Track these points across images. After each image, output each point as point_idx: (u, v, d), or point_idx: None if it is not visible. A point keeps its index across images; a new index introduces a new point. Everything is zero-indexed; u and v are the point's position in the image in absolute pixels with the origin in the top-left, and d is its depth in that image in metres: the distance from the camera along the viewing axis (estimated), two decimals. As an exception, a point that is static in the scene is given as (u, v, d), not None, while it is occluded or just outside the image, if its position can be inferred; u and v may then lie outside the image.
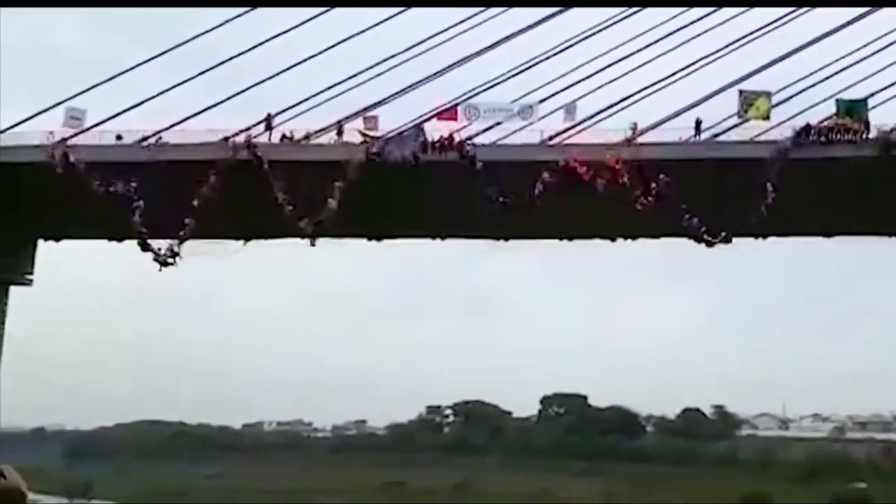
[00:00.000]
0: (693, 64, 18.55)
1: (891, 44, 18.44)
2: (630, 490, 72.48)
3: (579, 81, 17.88)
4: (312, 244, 18.70)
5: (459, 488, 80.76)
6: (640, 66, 18.61)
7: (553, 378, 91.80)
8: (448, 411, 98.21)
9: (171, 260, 18.67)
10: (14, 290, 25.25)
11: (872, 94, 17.87)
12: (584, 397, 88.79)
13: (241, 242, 20.45)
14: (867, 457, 73.86)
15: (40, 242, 23.19)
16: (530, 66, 18.44)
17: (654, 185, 16.50)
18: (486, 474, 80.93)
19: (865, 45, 18.56)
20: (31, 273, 23.99)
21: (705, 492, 70.21)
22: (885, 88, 18.08)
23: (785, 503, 68.20)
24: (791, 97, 18.07)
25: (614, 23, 18.50)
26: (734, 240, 18.59)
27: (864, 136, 17.58)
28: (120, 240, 22.12)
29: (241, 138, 18.60)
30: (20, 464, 2.74)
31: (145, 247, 19.49)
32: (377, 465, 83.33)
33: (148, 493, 39.05)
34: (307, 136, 18.61)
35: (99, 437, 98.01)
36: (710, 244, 17.77)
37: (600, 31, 18.46)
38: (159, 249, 18.78)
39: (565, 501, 74.32)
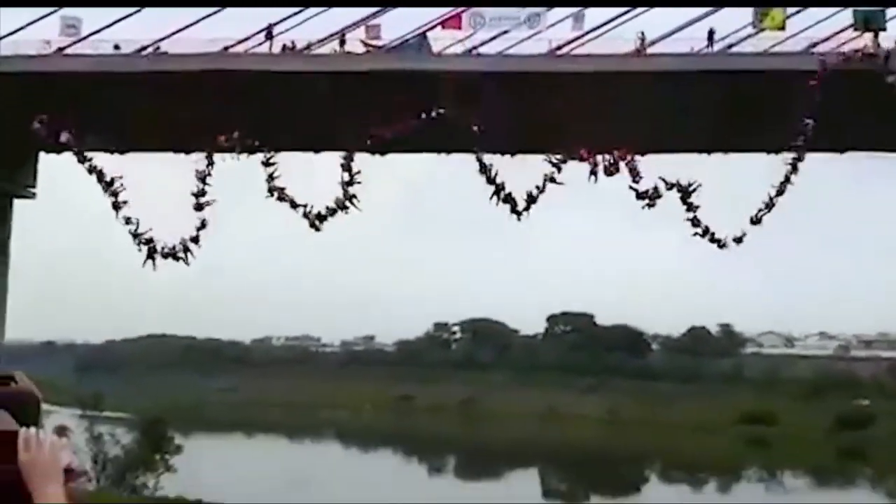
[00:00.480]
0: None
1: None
2: (634, 407, 73.47)
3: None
4: (317, 152, 18.42)
5: (466, 404, 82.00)
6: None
7: (560, 296, 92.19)
8: (455, 328, 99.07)
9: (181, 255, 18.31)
10: (18, 204, 25.13)
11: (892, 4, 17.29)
12: (591, 316, 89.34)
13: (244, 155, 20.18)
14: (872, 375, 74.51)
15: (42, 155, 22.95)
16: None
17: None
18: (492, 391, 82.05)
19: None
20: (34, 186, 23.83)
21: (709, 409, 71.08)
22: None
23: (788, 420, 69.07)
24: (806, 6, 17.53)
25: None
26: (746, 154, 18.29)
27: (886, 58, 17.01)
28: (122, 152, 21.87)
29: (241, 48, 18.22)
30: (31, 375, 2.64)
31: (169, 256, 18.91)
32: (385, 380, 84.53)
33: (161, 405, 39.73)
34: (308, 47, 18.18)
35: (108, 350, 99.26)
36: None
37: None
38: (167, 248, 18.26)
39: (571, 418, 75.48)
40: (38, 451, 2.08)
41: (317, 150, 20.00)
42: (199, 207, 17.34)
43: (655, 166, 17.06)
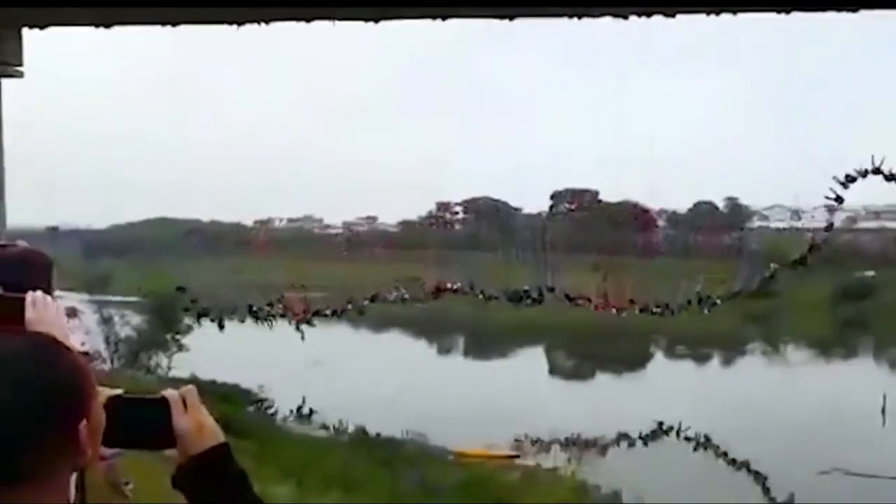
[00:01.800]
0: None
1: None
2: (636, 283, 73.78)
3: None
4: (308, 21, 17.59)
5: (472, 285, 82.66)
6: None
7: (563, 172, 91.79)
8: (457, 208, 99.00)
9: None
10: (6, 85, 24.37)
11: None
12: (596, 192, 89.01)
13: (234, 27, 19.32)
14: (880, 246, 74.52)
15: (25, 32, 22.05)
16: None
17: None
18: (496, 271, 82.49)
19: None
20: (20, 64, 22.99)
21: (711, 282, 71.33)
22: None
23: (790, 293, 69.42)
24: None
25: None
26: (753, 16, 17.38)
27: None
28: (108, 26, 20.94)
29: None
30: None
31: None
32: (390, 260, 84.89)
33: (169, 288, 39.77)
34: None
35: (112, 234, 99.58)
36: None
37: None
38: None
39: (576, 294, 76.01)
40: (45, 311, 2.07)
41: (309, 20, 19.17)
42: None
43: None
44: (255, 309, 27.84)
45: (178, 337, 32.56)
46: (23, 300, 2.16)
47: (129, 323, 32.14)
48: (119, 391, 1.87)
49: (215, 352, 39.25)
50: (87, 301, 34.95)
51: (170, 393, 1.81)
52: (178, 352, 32.36)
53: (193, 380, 30.15)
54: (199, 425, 1.79)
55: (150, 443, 1.80)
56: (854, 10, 19.38)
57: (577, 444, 31.68)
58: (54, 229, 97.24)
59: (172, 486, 1.77)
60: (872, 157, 24.36)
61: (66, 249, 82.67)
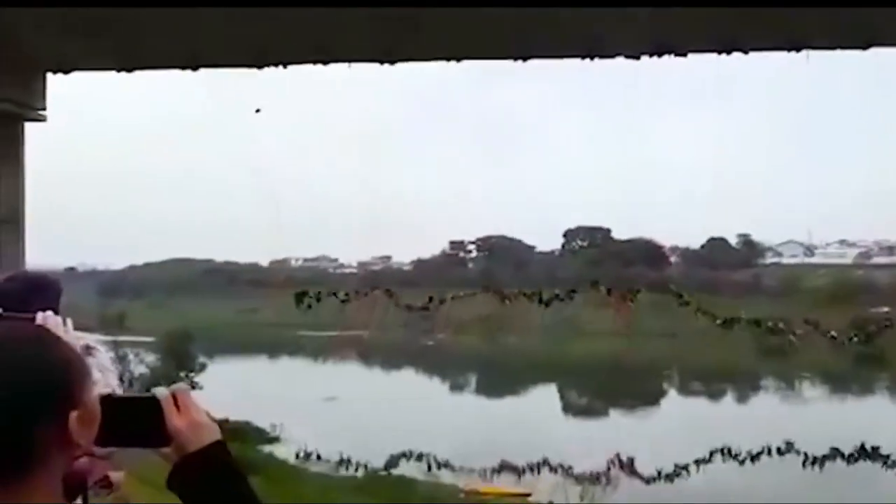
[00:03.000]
0: None
1: None
2: (651, 319, 73.66)
3: None
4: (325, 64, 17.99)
5: (485, 320, 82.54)
6: None
7: (576, 211, 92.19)
8: (471, 246, 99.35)
9: None
10: (30, 128, 24.92)
11: None
12: (608, 230, 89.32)
13: (253, 69, 19.79)
14: (892, 281, 74.28)
15: (49, 76, 22.62)
16: None
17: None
18: (510, 308, 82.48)
19: None
20: (44, 108, 23.55)
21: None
22: None
23: (802, 328, 69.04)
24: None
25: None
26: (764, 53, 17.72)
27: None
28: (130, 70, 21.45)
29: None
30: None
31: None
32: (404, 299, 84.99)
33: (184, 327, 40.21)
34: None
35: (130, 275, 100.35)
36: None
37: None
38: None
39: (589, 333, 75.89)
40: (56, 330, 2.00)
41: (326, 63, 19.62)
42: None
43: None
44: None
45: (191, 375, 32.81)
46: (32, 320, 2.18)
47: (143, 361, 32.39)
48: (109, 391, 2.00)
49: (229, 389, 39.51)
50: (101, 340, 35.22)
51: (161, 391, 1.82)
52: (190, 390, 32.54)
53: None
54: (193, 423, 1.76)
55: (142, 441, 1.77)
56: (864, 48, 19.75)
57: (589, 481, 31.58)
58: (72, 269, 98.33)
59: (167, 486, 1.74)
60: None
61: (84, 289, 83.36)
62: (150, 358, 33.20)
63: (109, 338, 34.65)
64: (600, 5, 15.21)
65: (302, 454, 32.98)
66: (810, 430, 40.18)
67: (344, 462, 32.23)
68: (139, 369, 31.83)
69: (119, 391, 14.93)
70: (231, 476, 1.74)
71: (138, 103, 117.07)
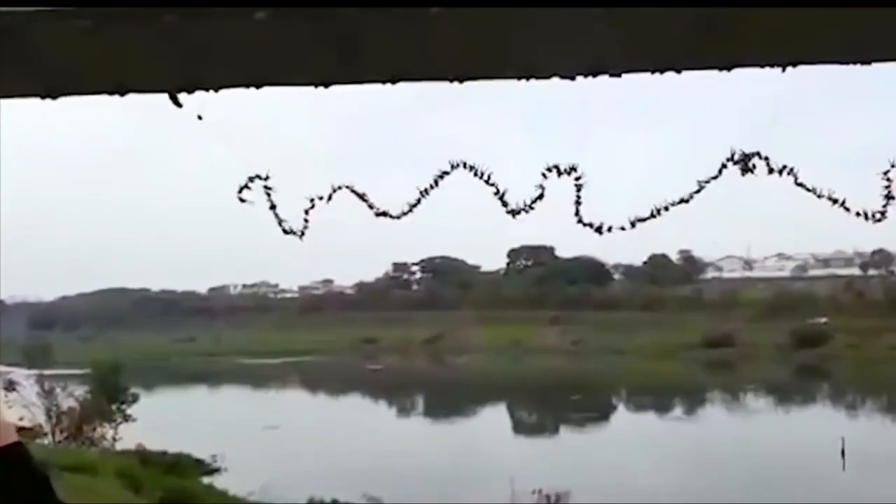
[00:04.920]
0: None
1: None
2: (598, 336, 74.03)
3: None
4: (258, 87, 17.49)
5: (432, 342, 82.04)
6: None
7: (519, 230, 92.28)
8: (415, 268, 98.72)
9: None
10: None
11: None
12: (552, 248, 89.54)
13: (183, 94, 19.09)
14: (829, 293, 75.68)
15: (-31, 104, 21.63)
16: None
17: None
18: (457, 327, 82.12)
19: None
20: (-37, 138, 22.56)
21: (670, 334, 71.83)
22: None
23: (747, 342, 70.07)
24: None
25: None
26: (696, 73, 17.76)
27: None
28: (54, 97, 20.56)
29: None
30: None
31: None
32: (347, 323, 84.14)
33: (117, 359, 38.99)
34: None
35: (62, 307, 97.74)
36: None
37: None
38: None
39: (536, 348, 75.89)
40: None
41: (259, 86, 19.13)
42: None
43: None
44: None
45: (123, 407, 31.53)
46: None
47: (72, 394, 31.06)
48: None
49: (167, 421, 38.31)
50: (28, 374, 33.93)
51: None
52: (123, 422, 31.32)
53: (140, 451, 29.27)
54: None
55: None
56: (792, 66, 19.93)
57: (543, 500, 31.12)
58: (0, 303, 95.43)
59: None
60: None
61: (13, 322, 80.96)
62: (80, 391, 31.83)
63: (36, 371, 33.30)
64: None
65: (247, 485, 31.88)
66: (757, 439, 40.43)
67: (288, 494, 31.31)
68: (67, 402, 30.48)
69: (45, 426, 13.99)
70: (31, 482, 1.61)
71: (64, 130, 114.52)
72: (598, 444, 43.32)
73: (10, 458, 1.61)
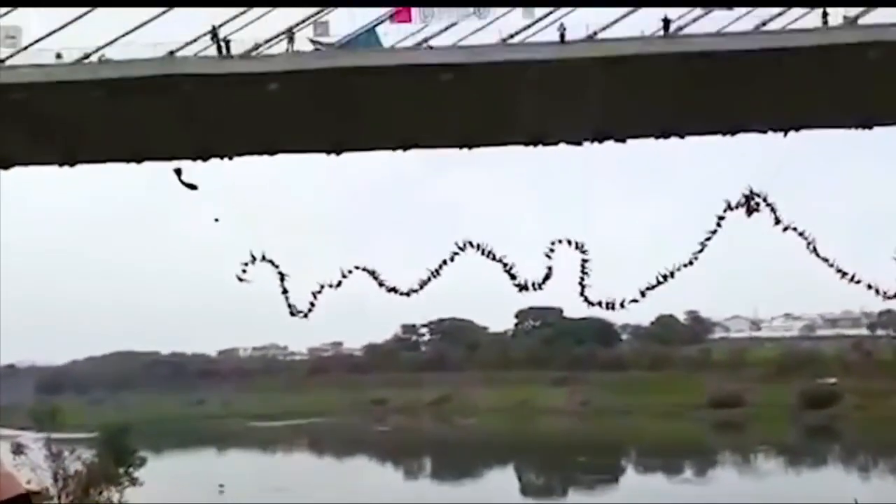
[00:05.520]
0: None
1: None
2: (607, 397, 73.69)
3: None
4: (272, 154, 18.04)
5: (440, 403, 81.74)
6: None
7: (526, 291, 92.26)
8: (423, 329, 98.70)
9: None
10: (-33, 224, 24.36)
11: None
12: (560, 309, 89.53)
13: (197, 162, 19.74)
14: (837, 353, 75.34)
15: (-13, 170, 22.19)
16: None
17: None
18: (465, 388, 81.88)
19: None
20: (-19, 204, 23.09)
21: (678, 394, 71.49)
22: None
23: (756, 401, 69.66)
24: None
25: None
26: (703, 138, 18.19)
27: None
28: (72, 164, 21.27)
29: (187, 51, 17.76)
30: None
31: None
32: (356, 385, 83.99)
33: (126, 422, 39.06)
34: (256, 47, 17.79)
35: (71, 370, 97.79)
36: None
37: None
38: None
39: (544, 409, 75.50)
40: None
41: (272, 153, 19.64)
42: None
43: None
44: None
45: (130, 470, 31.47)
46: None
47: (80, 458, 31.01)
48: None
49: (175, 484, 38.21)
50: (36, 438, 33.98)
51: None
52: (130, 486, 31.24)
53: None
54: None
55: None
56: (795, 130, 20.45)
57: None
58: (11, 367, 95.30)
59: None
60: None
61: (23, 386, 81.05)
62: (87, 454, 31.82)
63: (44, 435, 33.30)
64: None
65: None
66: (768, 500, 40.12)
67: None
68: (75, 466, 30.45)
69: (52, 489, 14.13)
70: None
71: (76, 195, 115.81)
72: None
73: None
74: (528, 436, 66.69)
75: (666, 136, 20.87)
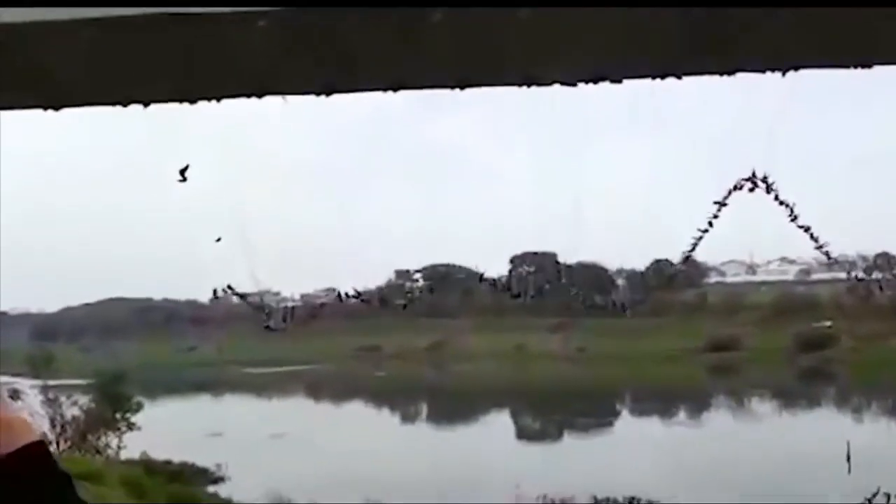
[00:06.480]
0: None
1: None
2: (602, 343, 73.96)
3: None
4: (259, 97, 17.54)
5: (434, 349, 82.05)
6: None
7: (521, 237, 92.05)
8: (417, 275, 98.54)
9: None
10: (-49, 169, 23.98)
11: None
12: (554, 254, 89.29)
13: (184, 105, 19.12)
14: (832, 297, 75.53)
15: (-30, 116, 21.64)
16: None
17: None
18: (459, 335, 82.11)
19: None
20: (-34, 149, 22.63)
21: (674, 339, 71.80)
22: None
23: (751, 346, 70.03)
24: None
25: None
26: (697, 79, 17.80)
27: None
28: (57, 108, 20.58)
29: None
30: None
31: None
32: (349, 331, 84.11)
33: (121, 369, 39.07)
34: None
35: (65, 317, 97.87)
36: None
37: None
38: None
39: (539, 355, 75.85)
40: None
41: (259, 96, 19.15)
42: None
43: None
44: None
45: (127, 415, 31.60)
46: None
47: (76, 403, 31.14)
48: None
49: (171, 430, 38.31)
50: (31, 385, 34.02)
51: None
52: (128, 431, 31.41)
53: (145, 460, 29.33)
54: (6, 423, 1.63)
55: None
56: (793, 70, 19.96)
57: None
58: (3, 314, 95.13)
59: None
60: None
61: (16, 334, 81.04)
62: (84, 400, 31.90)
63: (40, 382, 33.35)
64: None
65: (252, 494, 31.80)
66: (762, 443, 40.37)
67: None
68: (72, 412, 30.55)
69: (50, 435, 14.03)
70: (53, 480, 1.62)
71: (65, 139, 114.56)
72: (602, 450, 43.28)
73: (33, 456, 1.63)
74: (523, 381, 67.07)
75: (662, 76, 20.47)
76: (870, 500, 17.54)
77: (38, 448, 1.65)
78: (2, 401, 1.67)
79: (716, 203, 18.44)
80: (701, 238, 18.08)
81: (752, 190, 18.53)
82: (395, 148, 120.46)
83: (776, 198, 18.43)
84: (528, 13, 15.35)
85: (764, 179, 17.87)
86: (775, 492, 30.67)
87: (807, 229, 18.63)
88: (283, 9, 15.17)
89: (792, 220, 19.41)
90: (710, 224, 18.07)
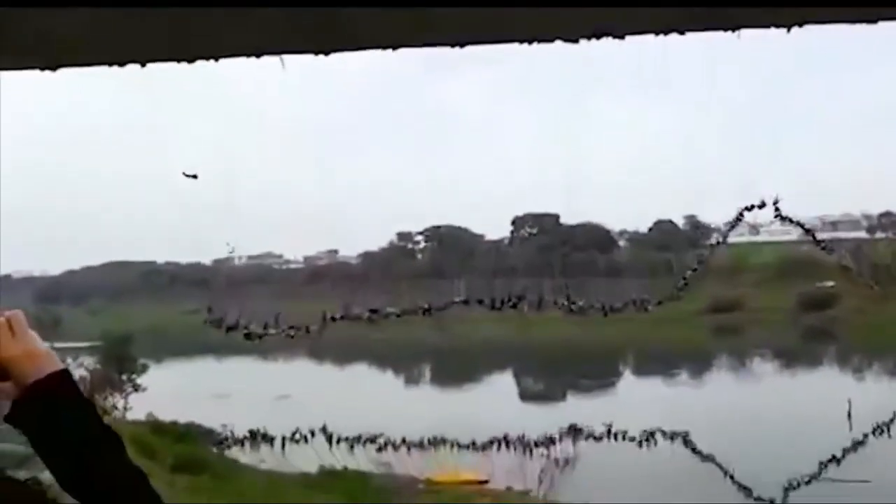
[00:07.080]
0: None
1: None
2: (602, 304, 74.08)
3: None
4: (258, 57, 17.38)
5: (437, 310, 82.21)
6: None
7: (523, 198, 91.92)
8: (419, 237, 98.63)
9: None
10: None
11: None
12: (556, 216, 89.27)
13: (182, 64, 18.97)
14: (836, 257, 75.38)
15: (-31, 78, 21.51)
16: None
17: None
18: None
19: None
20: (-36, 111, 22.52)
21: (678, 300, 71.83)
22: None
23: (754, 306, 70.12)
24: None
25: None
26: (699, 35, 17.56)
27: None
28: (53, 69, 20.47)
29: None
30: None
31: None
32: (352, 293, 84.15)
33: (125, 331, 39.26)
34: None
35: (68, 280, 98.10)
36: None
37: None
38: None
39: (541, 319, 75.90)
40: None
41: (258, 55, 18.99)
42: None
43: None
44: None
45: (133, 377, 31.90)
46: None
47: (83, 364, 31.43)
48: None
49: (176, 391, 38.57)
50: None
51: None
52: (134, 392, 31.72)
53: (152, 420, 29.60)
54: (29, 351, 1.65)
55: None
56: (798, 25, 19.70)
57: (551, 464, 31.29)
58: (6, 277, 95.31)
59: (6, 421, 1.64)
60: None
61: (20, 297, 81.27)
62: (90, 361, 32.14)
63: (47, 344, 33.47)
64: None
65: (253, 450, 32.01)
66: (764, 402, 40.59)
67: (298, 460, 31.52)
68: (78, 372, 30.76)
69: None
70: (78, 406, 1.64)
71: (66, 101, 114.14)
72: (605, 410, 43.50)
73: (59, 384, 1.64)
74: (526, 343, 67.20)
75: (665, 32, 20.21)
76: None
77: (63, 376, 1.67)
78: (27, 333, 1.68)
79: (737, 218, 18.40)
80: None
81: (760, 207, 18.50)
82: (395, 111, 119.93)
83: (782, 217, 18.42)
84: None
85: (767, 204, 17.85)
86: (775, 450, 30.88)
87: (808, 230, 18.67)
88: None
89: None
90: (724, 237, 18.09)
